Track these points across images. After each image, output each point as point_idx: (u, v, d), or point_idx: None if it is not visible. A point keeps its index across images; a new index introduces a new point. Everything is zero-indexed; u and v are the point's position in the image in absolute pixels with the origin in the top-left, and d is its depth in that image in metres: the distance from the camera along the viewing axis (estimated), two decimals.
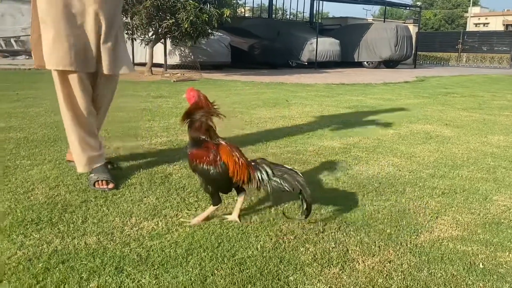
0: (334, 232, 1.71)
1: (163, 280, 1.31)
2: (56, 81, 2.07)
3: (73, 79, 2.06)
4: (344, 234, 1.70)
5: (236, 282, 1.32)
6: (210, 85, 7.71)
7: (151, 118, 4.07)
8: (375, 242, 1.63)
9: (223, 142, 1.75)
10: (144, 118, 4.10)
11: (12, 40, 15.51)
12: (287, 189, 1.68)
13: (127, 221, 1.75)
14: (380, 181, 2.37)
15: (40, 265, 1.36)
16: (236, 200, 1.85)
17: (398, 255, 1.54)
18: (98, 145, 2.22)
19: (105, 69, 2.10)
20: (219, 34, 11.60)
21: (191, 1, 8.00)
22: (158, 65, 12.39)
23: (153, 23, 8.26)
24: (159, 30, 8.58)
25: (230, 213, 1.83)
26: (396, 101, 6.25)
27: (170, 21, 8.05)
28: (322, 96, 6.56)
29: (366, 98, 6.50)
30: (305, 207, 1.68)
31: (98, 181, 2.07)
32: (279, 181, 1.69)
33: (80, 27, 2.01)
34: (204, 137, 1.72)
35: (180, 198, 2.03)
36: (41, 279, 1.29)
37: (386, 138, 3.52)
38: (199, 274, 1.35)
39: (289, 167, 1.76)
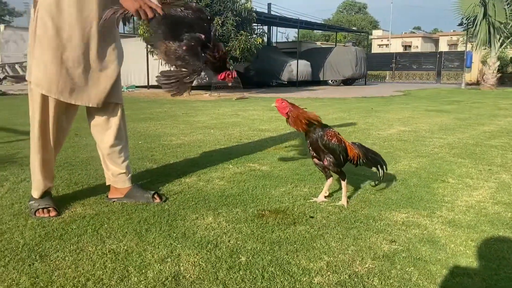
0: None
1: None
2: (35, 102, 2.02)
3: (56, 107, 2.04)
4: None
5: None
6: (273, 102, 9.46)
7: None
8: None
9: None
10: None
11: (17, 66, 15.86)
12: (379, 164, 2.36)
13: None
14: None
15: None
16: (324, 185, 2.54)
17: None
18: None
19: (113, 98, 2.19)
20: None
21: (242, 31, 9.88)
22: None
23: None
24: None
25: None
26: (443, 106, 8.40)
27: (225, 49, 9.80)
28: (387, 105, 8.57)
29: (422, 105, 8.61)
30: (381, 177, 2.39)
31: (39, 209, 2.07)
32: (373, 159, 2.36)
33: (79, 59, 2.00)
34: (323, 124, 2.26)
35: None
36: None
37: None
38: None
39: (373, 150, 2.42)
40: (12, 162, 3.13)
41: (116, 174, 2.33)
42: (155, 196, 2.32)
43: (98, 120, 2.25)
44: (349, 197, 2.42)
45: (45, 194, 2.16)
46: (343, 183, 2.33)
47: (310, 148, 2.30)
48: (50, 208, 2.09)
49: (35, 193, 2.14)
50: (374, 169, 2.43)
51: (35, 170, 2.12)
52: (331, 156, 2.24)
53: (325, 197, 2.38)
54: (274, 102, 2.26)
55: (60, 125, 2.11)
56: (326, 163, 2.27)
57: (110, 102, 2.22)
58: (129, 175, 2.38)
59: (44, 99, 2.01)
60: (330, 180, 2.36)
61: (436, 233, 1.95)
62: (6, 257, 1.63)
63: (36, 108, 2.02)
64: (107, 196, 2.36)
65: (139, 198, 2.31)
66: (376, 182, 2.54)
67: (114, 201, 2.31)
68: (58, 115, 2.08)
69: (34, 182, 2.15)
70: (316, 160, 2.34)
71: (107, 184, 2.40)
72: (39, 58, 1.96)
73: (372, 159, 2.38)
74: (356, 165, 2.34)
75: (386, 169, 2.43)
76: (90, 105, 2.13)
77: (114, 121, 2.27)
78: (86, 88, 2.07)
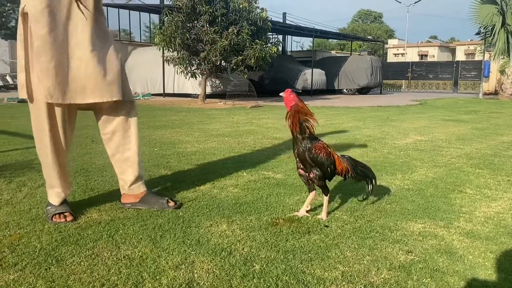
0: None
1: None
2: (41, 112, 2.03)
3: (62, 112, 2.06)
4: None
5: None
6: (284, 110, 9.46)
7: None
8: None
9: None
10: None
11: None
12: (367, 178, 2.27)
13: None
14: None
15: None
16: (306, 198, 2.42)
17: None
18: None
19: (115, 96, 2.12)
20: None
21: (257, 40, 9.96)
22: (187, 95, 13.93)
23: (229, 59, 10.06)
24: (229, 65, 10.37)
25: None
26: (460, 116, 8.30)
27: (240, 58, 9.88)
28: (402, 115, 8.50)
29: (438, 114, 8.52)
30: (370, 191, 2.29)
31: (56, 214, 2.09)
32: (362, 172, 2.26)
33: (74, 58, 2.01)
34: (313, 135, 2.15)
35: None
36: None
37: None
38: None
39: (364, 163, 2.34)
40: (30, 168, 3.18)
41: (133, 179, 2.32)
42: (169, 201, 2.33)
43: (117, 124, 2.23)
44: (364, 207, 2.40)
45: (63, 200, 2.19)
46: (325, 198, 2.24)
47: (297, 159, 2.22)
48: (66, 213, 2.11)
49: (55, 201, 2.15)
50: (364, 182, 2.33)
51: (53, 180, 2.15)
52: (318, 169, 2.17)
53: (307, 211, 2.28)
54: (283, 93, 2.21)
55: (66, 128, 2.12)
56: (311, 175, 2.19)
57: (126, 101, 2.21)
58: (143, 179, 2.39)
59: (50, 107, 2.02)
60: (313, 194, 2.26)
61: (453, 244, 1.92)
62: (23, 261, 1.65)
63: (44, 119, 2.03)
64: (120, 201, 2.36)
65: (154, 203, 2.30)
66: (364, 197, 2.43)
67: (128, 207, 2.32)
68: (64, 118, 2.09)
69: (53, 191, 2.16)
70: (301, 171, 2.25)
71: (122, 193, 2.39)
72: (45, 67, 1.94)
73: (361, 172, 2.28)
74: (344, 178, 2.27)
75: (375, 183, 2.33)
76: (105, 100, 2.10)
77: (133, 120, 2.26)
78: (95, 85, 2.05)
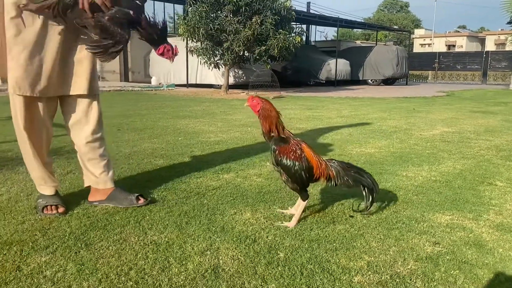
0: None
1: None
2: (19, 106, 1.95)
3: (40, 105, 2.00)
4: None
5: None
6: (311, 102, 9.41)
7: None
8: None
9: (302, 142, 1.99)
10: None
11: None
12: (362, 185, 1.97)
13: None
14: None
15: None
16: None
17: None
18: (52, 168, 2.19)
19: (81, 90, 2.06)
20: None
21: (281, 30, 9.90)
22: (209, 86, 13.98)
23: (253, 49, 10.06)
24: (253, 55, 10.37)
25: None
26: (490, 107, 8.10)
27: (263, 48, 9.85)
28: (431, 105, 8.35)
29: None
30: (369, 202, 1.99)
31: (47, 206, 2.05)
32: (354, 178, 1.97)
33: (51, 51, 1.93)
34: (285, 136, 1.97)
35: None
36: None
37: None
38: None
39: (359, 167, 2.06)
40: (59, 155, 3.26)
41: (97, 174, 2.20)
42: (139, 197, 2.21)
43: (76, 116, 2.13)
44: (391, 198, 2.37)
45: (54, 191, 2.13)
46: (302, 203, 1.99)
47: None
48: (58, 205, 2.06)
49: (47, 191, 2.10)
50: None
51: (38, 172, 2.09)
52: (285, 174, 1.97)
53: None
54: (246, 102, 2.07)
55: (44, 123, 2.05)
56: (284, 178, 1.99)
57: (88, 95, 2.11)
58: (109, 174, 2.24)
59: (27, 100, 1.95)
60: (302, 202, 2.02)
61: (483, 237, 1.87)
62: (54, 244, 1.70)
63: (20, 113, 1.96)
64: (88, 200, 2.22)
65: (123, 200, 2.18)
66: (358, 209, 2.15)
67: (96, 204, 2.19)
68: (43, 113, 2.03)
69: (42, 181, 2.11)
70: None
71: (85, 185, 2.27)
72: (15, 58, 1.88)
73: (354, 178, 1.99)
74: (335, 185, 2.00)
75: (377, 192, 2.02)
76: (73, 93, 2.07)
77: (93, 115, 2.15)
78: (63, 79, 2.01)
